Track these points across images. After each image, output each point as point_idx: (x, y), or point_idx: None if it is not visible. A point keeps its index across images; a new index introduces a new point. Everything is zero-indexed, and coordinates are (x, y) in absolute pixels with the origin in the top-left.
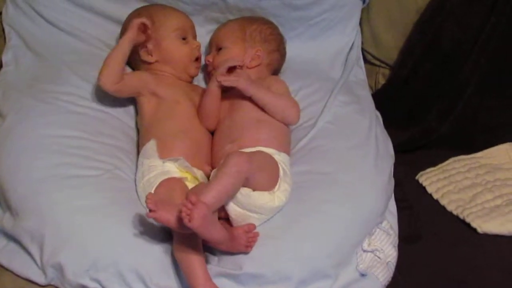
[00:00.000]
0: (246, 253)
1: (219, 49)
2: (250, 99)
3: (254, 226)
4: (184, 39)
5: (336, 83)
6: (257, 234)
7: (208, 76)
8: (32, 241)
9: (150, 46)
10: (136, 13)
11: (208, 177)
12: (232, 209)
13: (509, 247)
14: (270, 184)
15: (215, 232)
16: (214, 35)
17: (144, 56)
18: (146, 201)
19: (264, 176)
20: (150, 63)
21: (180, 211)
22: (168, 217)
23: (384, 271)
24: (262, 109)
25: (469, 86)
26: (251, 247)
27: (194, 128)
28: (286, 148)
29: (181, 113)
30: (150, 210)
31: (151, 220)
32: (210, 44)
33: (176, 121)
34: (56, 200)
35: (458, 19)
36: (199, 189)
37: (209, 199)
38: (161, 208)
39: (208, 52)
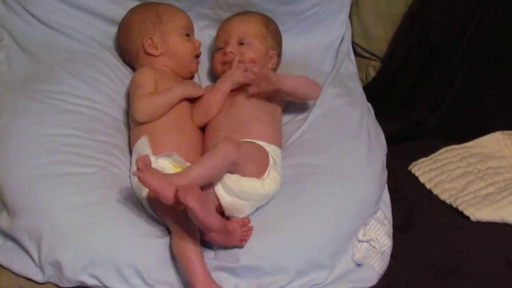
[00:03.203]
0: (242, 246)
1: (241, 43)
2: (242, 96)
3: (248, 220)
4: (187, 35)
5: (327, 76)
6: (251, 228)
7: (228, 67)
8: (29, 239)
9: (156, 39)
10: (141, 10)
11: None
12: (222, 196)
13: (502, 234)
14: (259, 171)
15: (210, 213)
16: (236, 25)
17: (149, 49)
18: (136, 161)
19: (252, 163)
20: (154, 56)
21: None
22: (151, 182)
23: (379, 261)
24: (255, 106)
25: (458, 76)
26: (245, 241)
27: (186, 123)
28: (277, 142)
29: (176, 109)
30: (138, 169)
31: (148, 210)
32: (229, 33)
33: (168, 116)
34: (52, 198)
35: (446, 9)
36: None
37: (196, 173)
38: (149, 172)
39: (224, 42)
